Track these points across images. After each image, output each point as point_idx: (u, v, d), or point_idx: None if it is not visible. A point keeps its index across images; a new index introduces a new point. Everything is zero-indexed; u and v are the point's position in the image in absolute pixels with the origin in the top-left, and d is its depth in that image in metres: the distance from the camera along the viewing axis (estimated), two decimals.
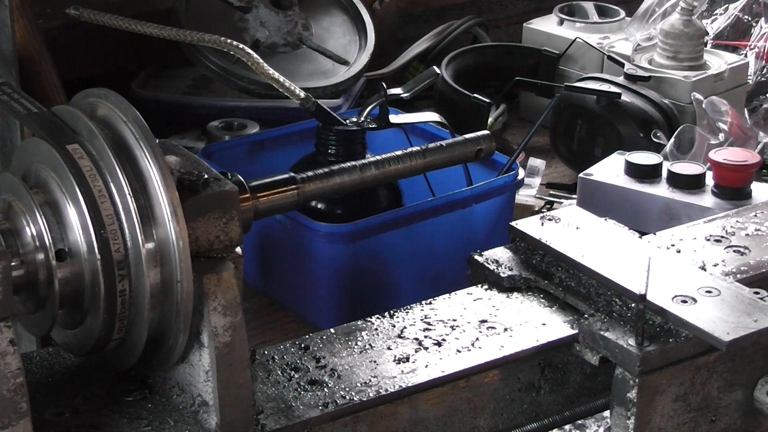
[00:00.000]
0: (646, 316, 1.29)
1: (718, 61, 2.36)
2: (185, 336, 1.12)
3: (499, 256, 1.48)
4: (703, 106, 2.19)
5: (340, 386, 1.26)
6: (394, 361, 1.31)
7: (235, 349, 1.14)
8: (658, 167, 1.96)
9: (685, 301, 1.32)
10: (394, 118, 1.88)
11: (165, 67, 2.40)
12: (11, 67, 1.75)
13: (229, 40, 1.85)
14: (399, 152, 1.39)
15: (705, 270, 1.44)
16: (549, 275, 1.44)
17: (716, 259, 1.48)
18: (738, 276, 1.44)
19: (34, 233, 1.11)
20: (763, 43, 2.49)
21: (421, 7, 2.83)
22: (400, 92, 1.96)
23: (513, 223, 1.50)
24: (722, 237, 1.54)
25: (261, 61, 1.86)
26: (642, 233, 1.52)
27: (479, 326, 1.37)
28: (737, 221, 1.58)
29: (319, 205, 1.83)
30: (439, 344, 1.34)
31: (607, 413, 1.35)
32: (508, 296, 1.44)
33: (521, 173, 1.86)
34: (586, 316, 1.35)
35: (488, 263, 1.47)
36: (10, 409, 1.07)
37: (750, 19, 2.56)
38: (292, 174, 1.30)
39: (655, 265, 1.33)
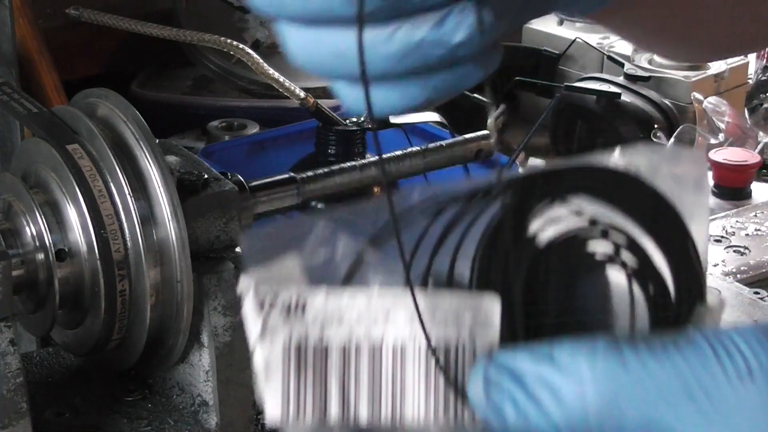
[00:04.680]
0: None
1: (718, 61, 2.36)
2: (185, 336, 1.12)
3: None
4: (704, 106, 2.19)
5: None
6: None
7: (235, 349, 1.14)
8: None
9: None
10: (394, 118, 1.88)
11: (165, 67, 2.40)
12: (11, 67, 1.75)
13: (229, 40, 1.85)
14: (399, 152, 1.39)
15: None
16: None
17: (716, 259, 1.48)
18: (738, 276, 1.44)
19: (34, 233, 1.11)
20: None
21: None
22: None
23: None
24: (722, 237, 1.54)
25: (261, 61, 1.86)
26: None
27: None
28: (737, 221, 1.58)
29: (319, 205, 1.83)
30: None
31: None
32: None
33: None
34: None
35: None
36: (10, 409, 1.06)
37: None
38: (292, 174, 1.30)
39: None
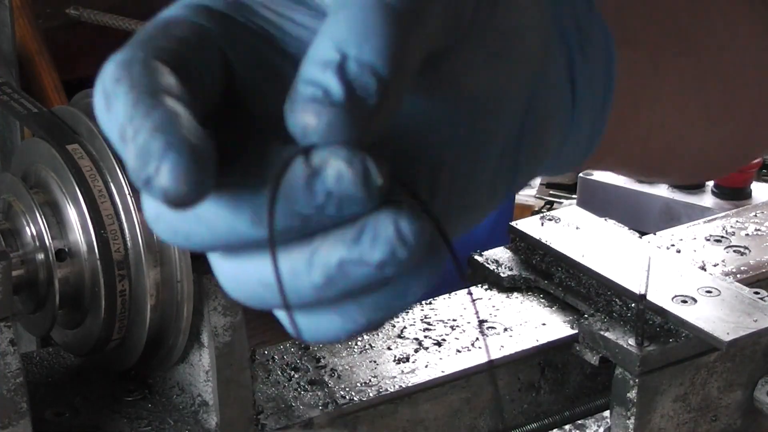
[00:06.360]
0: (646, 316, 1.29)
1: None
2: (185, 336, 1.12)
3: (499, 256, 1.48)
4: None
5: (340, 386, 1.26)
6: (394, 361, 1.31)
7: (235, 349, 1.14)
8: None
9: (685, 301, 1.32)
10: None
11: None
12: (11, 67, 1.75)
13: None
14: None
15: (705, 270, 1.44)
16: (549, 275, 1.44)
17: (716, 259, 1.48)
18: (738, 276, 1.44)
19: (34, 233, 1.11)
20: None
21: None
22: None
23: (513, 223, 1.50)
24: (722, 237, 1.54)
25: None
26: (642, 233, 1.52)
27: (479, 326, 1.37)
28: (737, 221, 1.58)
29: None
30: (439, 344, 1.34)
31: (607, 413, 1.34)
32: (508, 296, 1.44)
33: None
34: (586, 316, 1.35)
35: (488, 263, 1.47)
36: (10, 409, 1.07)
37: None
38: None
39: (655, 265, 1.33)
